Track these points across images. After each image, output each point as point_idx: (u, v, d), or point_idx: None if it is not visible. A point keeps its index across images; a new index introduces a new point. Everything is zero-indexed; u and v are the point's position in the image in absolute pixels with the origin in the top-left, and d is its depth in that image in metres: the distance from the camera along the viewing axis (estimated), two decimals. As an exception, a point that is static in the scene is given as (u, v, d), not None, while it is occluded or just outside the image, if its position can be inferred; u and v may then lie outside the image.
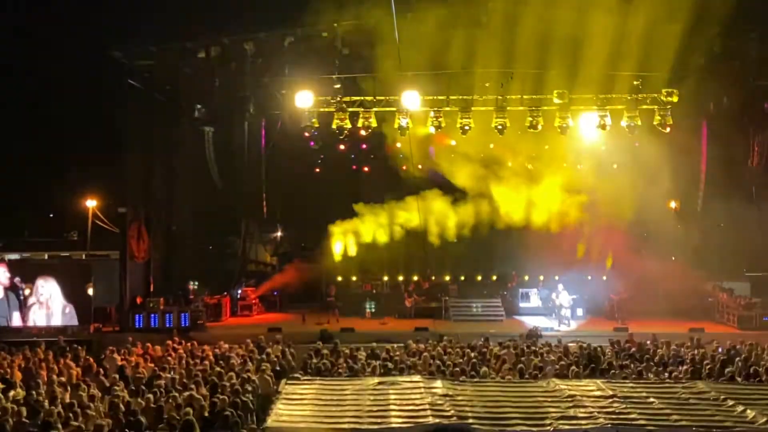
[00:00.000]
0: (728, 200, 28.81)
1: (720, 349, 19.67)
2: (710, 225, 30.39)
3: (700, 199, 31.49)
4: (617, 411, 11.32)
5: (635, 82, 26.59)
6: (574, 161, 31.90)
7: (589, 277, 32.00)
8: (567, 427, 10.66)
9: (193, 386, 14.91)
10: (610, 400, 11.90)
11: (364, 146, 32.40)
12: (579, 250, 31.87)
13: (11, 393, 14.75)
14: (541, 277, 32.26)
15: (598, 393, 12.33)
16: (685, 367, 17.72)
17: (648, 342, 20.86)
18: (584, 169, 31.64)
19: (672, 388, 13.03)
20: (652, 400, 11.98)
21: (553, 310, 29.38)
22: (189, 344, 21.14)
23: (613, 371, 17.43)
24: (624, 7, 24.06)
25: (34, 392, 14.71)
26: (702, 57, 25.50)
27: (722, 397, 12.10)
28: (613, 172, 31.25)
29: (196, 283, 29.14)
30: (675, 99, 26.64)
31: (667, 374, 17.32)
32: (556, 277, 30.98)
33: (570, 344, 20.46)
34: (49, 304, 26.97)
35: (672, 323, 27.00)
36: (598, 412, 11.14)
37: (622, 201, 29.86)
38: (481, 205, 31.95)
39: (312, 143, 31.71)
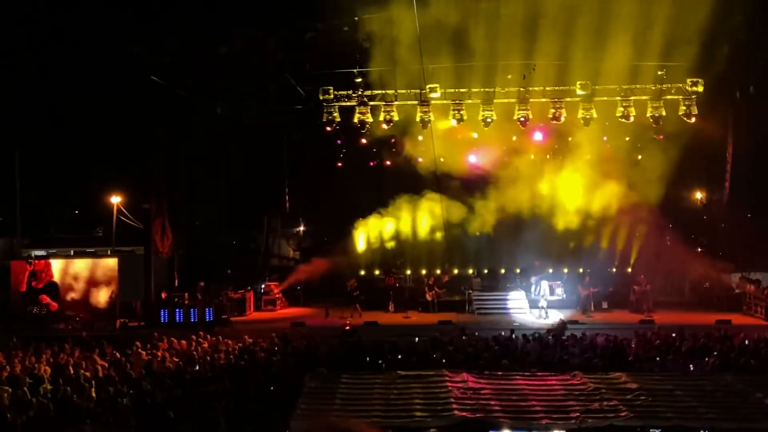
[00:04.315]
0: (755, 190, 28.48)
1: (747, 341, 19.42)
2: (737, 215, 30.01)
3: (726, 189, 31.13)
4: (643, 404, 11.22)
5: (659, 72, 26.36)
6: (599, 152, 31.61)
7: (614, 270, 31.87)
8: (592, 420, 10.58)
9: (218, 380, 15.00)
10: (636, 393, 11.80)
11: (393, 140, 32.17)
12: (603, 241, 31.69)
13: (40, 387, 14.92)
14: (566, 269, 32.09)
15: (624, 386, 12.23)
16: (711, 359, 17.53)
17: (674, 334, 20.65)
18: (609, 161, 31.35)
19: (699, 380, 12.90)
20: (678, 392, 11.86)
21: (579, 301, 29.27)
22: (214, 339, 21.26)
23: (638, 364, 17.29)
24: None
25: (62, 387, 14.86)
26: (727, 46, 25.18)
27: (750, 389, 11.96)
28: (638, 163, 31.05)
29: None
30: (700, 88, 26.39)
31: (693, 367, 17.15)
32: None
33: (595, 337, 20.32)
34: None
35: (699, 315, 26.77)
36: (624, 406, 11.05)
37: (648, 192, 29.67)
38: (505, 198, 31.89)
39: (339, 141, 31.80)
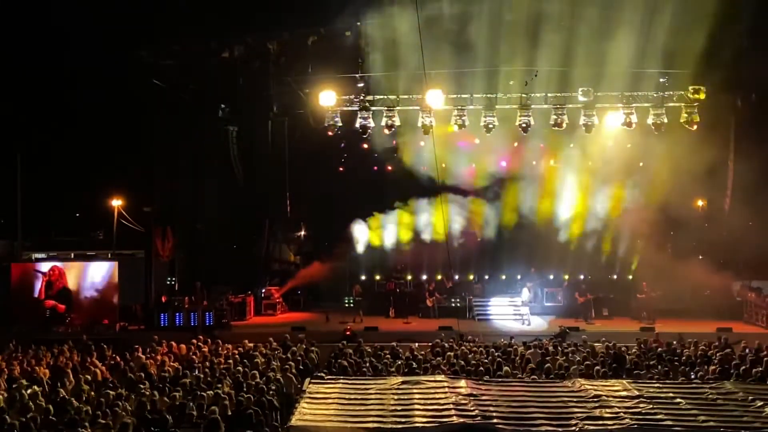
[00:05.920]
0: (757, 198, 28.41)
1: (748, 350, 19.39)
2: (738, 223, 29.94)
3: (728, 197, 31.07)
4: (643, 411, 11.18)
5: (661, 80, 26.37)
6: (599, 159, 31.55)
7: (615, 276, 31.86)
8: (592, 427, 10.54)
9: (217, 385, 14.98)
10: (637, 400, 11.75)
11: (395, 144, 32.07)
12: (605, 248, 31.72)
13: (38, 390, 14.87)
14: (566, 276, 32.05)
15: (624, 393, 12.18)
16: (712, 367, 17.49)
17: (675, 342, 20.63)
18: (610, 168, 31.29)
19: (699, 388, 12.83)
20: (679, 400, 11.82)
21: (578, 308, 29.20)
22: (213, 343, 21.25)
23: (639, 371, 17.26)
24: (650, 3, 23.86)
25: (61, 390, 14.82)
26: (729, 53, 25.17)
27: (750, 397, 11.91)
28: (640, 170, 31.03)
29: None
30: (702, 96, 26.38)
31: (694, 374, 17.12)
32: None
33: (596, 344, 20.30)
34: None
35: (699, 323, 26.69)
36: (624, 413, 11.01)
37: (649, 199, 29.67)
38: (505, 204, 31.89)
39: (342, 145, 31.82)
